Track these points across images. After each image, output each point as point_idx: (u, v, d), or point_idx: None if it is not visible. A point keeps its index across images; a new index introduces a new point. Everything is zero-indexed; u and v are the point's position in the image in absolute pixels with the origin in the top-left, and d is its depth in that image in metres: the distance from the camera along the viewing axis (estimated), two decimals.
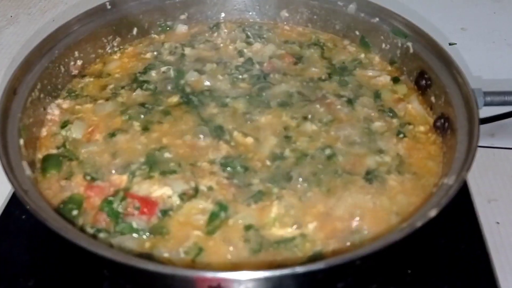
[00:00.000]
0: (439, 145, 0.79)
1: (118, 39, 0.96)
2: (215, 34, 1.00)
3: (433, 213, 0.58)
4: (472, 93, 0.75)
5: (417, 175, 0.75)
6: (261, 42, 0.98)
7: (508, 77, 1.18)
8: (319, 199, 0.72)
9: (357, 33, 0.98)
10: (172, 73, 0.91)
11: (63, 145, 0.79)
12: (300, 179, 0.74)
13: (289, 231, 0.68)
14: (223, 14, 1.03)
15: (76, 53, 0.90)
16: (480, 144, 1.02)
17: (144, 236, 0.67)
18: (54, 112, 0.83)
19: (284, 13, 1.03)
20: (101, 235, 0.67)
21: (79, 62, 0.90)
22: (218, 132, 0.80)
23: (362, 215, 0.70)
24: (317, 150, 0.78)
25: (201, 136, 0.79)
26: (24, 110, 0.76)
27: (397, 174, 0.75)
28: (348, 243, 0.66)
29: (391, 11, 0.93)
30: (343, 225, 0.69)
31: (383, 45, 0.94)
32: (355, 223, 0.69)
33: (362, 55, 0.97)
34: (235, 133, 0.80)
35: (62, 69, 0.87)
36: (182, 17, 1.02)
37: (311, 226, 0.69)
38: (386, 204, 0.71)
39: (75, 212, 0.69)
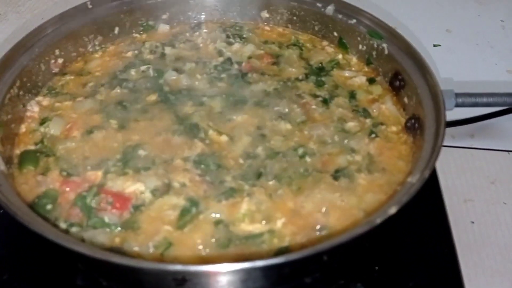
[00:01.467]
0: (409, 145, 0.81)
1: (99, 38, 0.97)
2: (196, 34, 1.02)
3: (392, 210, 0.60)
4: (440, 94, 0.77)
5: (387, 174, 0.77)
6: (241, 42, 1.00)
7: (489, 79, 1.20)
8: (289, 196, 0.73)
9: (335, 34, 0.99)
10: (151, 72, 0.92)
11: (41, 141, 0.80)
12: (271, 177, 0.75)
13: (257, 227, 0.70)
14: (204, 15, 1.05)
15: (57, 52, 0.91)
16: (459, 144, 1.06)
17: (116, 231, 0.68)
18: (33, 109, 0.85)
19: (265, 14, 1.04)
20: (74, 229, 0.68)
21: (60, 60, 0.92)
22: (194, 130, 0.82)
23: (330, 212, 0.71)
24: (290, 149, 0.79)
25: (176, 134, 0.81)
26: (2, 107, 0.77)
27: (367, 173, 0.77)
28: (314, 239, 0.68)
29: (367, 13, 0.95)
30: (311, 221, 0.70)
31: (360, 46, 0.96)
32: (322, 220, 0.71)
33: (340, 56, 0.98)
34: (210, 132, 0.82)
35: (43, 67, 0.89)
36: (164, 16, 1.03)
37: (279, 222, 0.70)
38: (354, 202, 0.73)
39: (49, 207, 0.71)
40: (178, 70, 0.93)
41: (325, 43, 1.01)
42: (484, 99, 0.83)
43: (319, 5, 1.00)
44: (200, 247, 0.67)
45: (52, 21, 0.91)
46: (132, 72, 0.92)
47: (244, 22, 1.05)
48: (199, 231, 0.69)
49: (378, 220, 0.59)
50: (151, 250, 0.66)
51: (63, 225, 0.68)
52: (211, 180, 0.75)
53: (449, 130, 1.03)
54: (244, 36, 1.02)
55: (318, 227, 0.70)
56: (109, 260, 0.55)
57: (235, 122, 0.84)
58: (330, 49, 1.00)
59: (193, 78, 0.92)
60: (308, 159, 0.78)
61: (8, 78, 0.81)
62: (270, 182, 0.75)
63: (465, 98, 0.83)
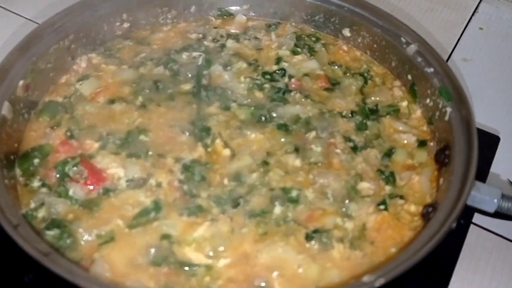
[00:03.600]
0: (417, 234, 0.68)
1: (173, 12, 0.97)
2: (267, 34, 0.96)
3: None
4: (467, 193, 0.63)
5: (369, 254, 0.66)
6: (307, 55, 0.92)
7: None
8: (250, 238, 0.67)
9: (409, 77, 0.86)
10: (200, 60, 0.90)
11: (70, 96, 0.84)
12: (245, 211, 0.70)
13: (199, 258, 0.65)
14: (286, 15, 0.98)
15: (125, 16, 0.93)
16: None
17: (75, 206, 0.69)
18: (81, 64, 0.88)
19: (347, 32, 0.94)
20: (43, 189, 0.71)
21: (125, 25, 0.93)
22: (203, 134, 0.78)
23: (280, 274, 0.64)
24: (284, 188, 0.72)
25: (186, 132, 0.79)
26: (43, 55, 0.82)
27: (347, 246, 0.67)
28: None
29: (447, 66, 0.80)
30: (255, 274, 0.64)
31: (428, 100, 0.82)
32: (267, 278, 0.63)
33: (405, 103, 0.85)
34: (218, 141, 0.78)
35: (105, 27, 0.91)
36: (245, 7, 0.99)
37: (223, 262, 0.65)
38: (312, 273, 0.64)
39: (36, 161, 0.74)
40: (225, 66, 0.89)
41: (396, 83, 0.89)
42: None
43: (403, 40, 0.87)
44: (136, 254, 0.65)
45: None
46: (184, 55, 0.91)
47: (324, 35, 0.97)
48: (144, 238, 0.67)
49: None
50: (93, 237, 0.66)
51: (36, 183, 0.71)
52: (187, 190, 0.72)
53: None
54: (315, 49, 0.94)
55: (257, 283, 0.63)
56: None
57: (247, 139, 0.78)
58: (398, 92, 0.87)
59: (236, 79, 0.87)
60: (294, 206, 0.70)
61: (62, 30, 0.85)
62: (241, 216, 0.69)
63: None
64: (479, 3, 1.28)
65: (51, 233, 0.66)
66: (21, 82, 0.78)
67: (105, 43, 0.93)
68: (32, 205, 0.69)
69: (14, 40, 0.80)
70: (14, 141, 0.75)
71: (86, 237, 0.66)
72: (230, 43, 0.94)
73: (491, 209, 0.68)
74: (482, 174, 0.86)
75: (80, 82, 0.85)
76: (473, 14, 1.29)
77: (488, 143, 0.91)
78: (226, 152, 0.77)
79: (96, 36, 0.91)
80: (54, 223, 0.67)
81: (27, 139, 0.78)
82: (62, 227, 0.67)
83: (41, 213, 0.68)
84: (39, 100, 0.82)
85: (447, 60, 1.17)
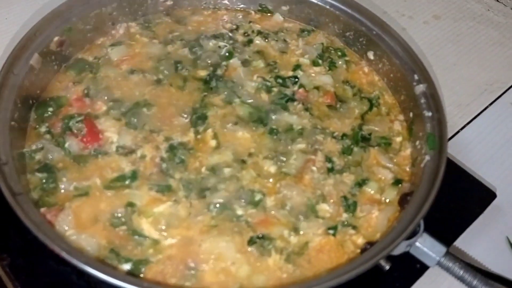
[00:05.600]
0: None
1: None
2: (297, 39, 0.99)
3: None
4: (398, 242, 0.65)
5: (304, 272, 0.71)
6: (325, 69, 0.95)
7: None
8: (200, 226, 0.74)
9: (411, 115, 0.87)
10: (223, 51, 0.95)
11: (99, 58, 0.93)
12: (208, 200, 0.76)
13: (151, 231, 0.73)
14: (321, 24, 1.01)
15: None
16: None
17: (67, 158, 0.79)
18: (120, 30, 0.97)
19: (371, 55, 0.95)
20: (47, 136, 0.81)
21: (169, 2, 1.01)
22: (199, 121, 0.85)
23: (213, 264, 0.70)
24: (250, 189, 0.78)
25: (185, 115, 0.86)
26: (84, 17, 0.91)
27: (284, 258, 0.72)
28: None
29: (443, 116, 0.80)
30: (192, 257, 0.71)
31: (417, 143, 0.83)
32: (201, 264, 0.70)
33: (399, 139, 0.87)
34: (209, 130, 0.84)
35: (149, 1, 0.99)
36: (284, 8, 1.02)
37: (169, 241, 0.72)
38: (242, 273, 0.70)
39: (50, 109, 0.84)
40: (244, 62, 0.94)
41: (400, 117, 0.90)
42: (468, 277, 0.67)
43: (415, 77, 0.87)
44: (100, 212, 0.74)
45: None
46: (211, 43, 0.97)
47: (351, 52, 0.98)
48: (112, 200, 0.75)
49: None
50: (71, 188, 0.76)
51: (43, 129, 0.82)
52: (164, 168, 0.79)
53: None
54: (336, 65, 0.96)
55: (191, 269, 0.70)
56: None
57: (235, 136, 0.84)
58: (398, 126, 0.88)
59: (249, 76, 0.92)
60: (252, 208, 0.76)
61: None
62: (201, 204, 0.76)
63: (453, 263, 0.68)
64: None
65: (39, 175, 0.76)
66: (56, 38, 0.88)
67: (146, 15, 1.01)
68: (34, 147, 0.79)
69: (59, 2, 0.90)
70: (38, 88, 0.86)
71: (66, 186, 0.76)
72: (258, 40, 0.98)
73: (431, 264, 0.69)
74: (463, 225, 0.86)
75: (112, 47, 0.94)
76: None
77: (484, 197, 0.90)
78: (212, 143, 0.83)
79: (138, 8, 0.99)
80: (46, 167, 0.78)
81: (50, 87, 0.88)
82: (50, 173, 0.77)
83: (38, 156, 0.79)
84: (72, 56, 0.93)
85: (497, 98, 1.14)
